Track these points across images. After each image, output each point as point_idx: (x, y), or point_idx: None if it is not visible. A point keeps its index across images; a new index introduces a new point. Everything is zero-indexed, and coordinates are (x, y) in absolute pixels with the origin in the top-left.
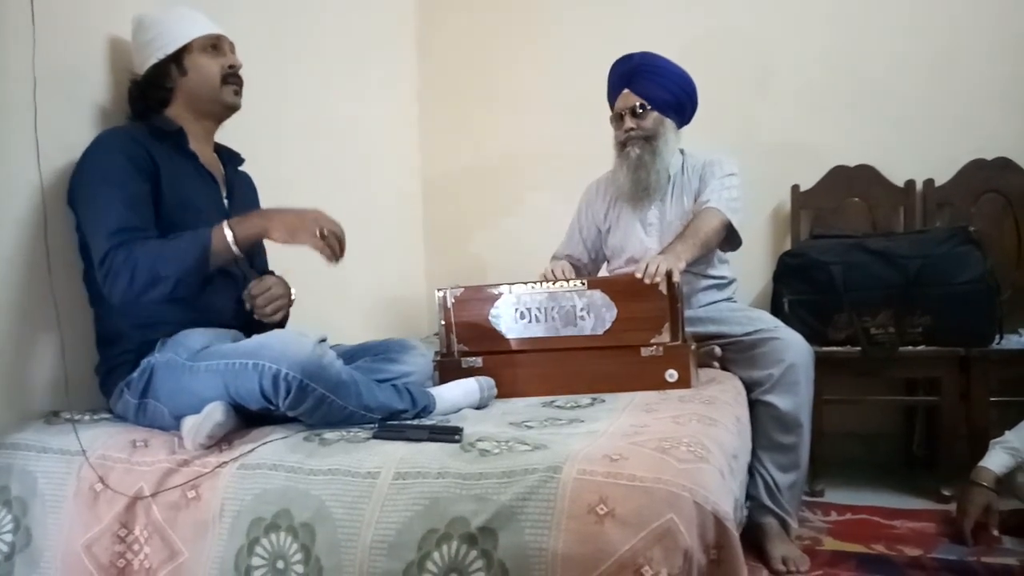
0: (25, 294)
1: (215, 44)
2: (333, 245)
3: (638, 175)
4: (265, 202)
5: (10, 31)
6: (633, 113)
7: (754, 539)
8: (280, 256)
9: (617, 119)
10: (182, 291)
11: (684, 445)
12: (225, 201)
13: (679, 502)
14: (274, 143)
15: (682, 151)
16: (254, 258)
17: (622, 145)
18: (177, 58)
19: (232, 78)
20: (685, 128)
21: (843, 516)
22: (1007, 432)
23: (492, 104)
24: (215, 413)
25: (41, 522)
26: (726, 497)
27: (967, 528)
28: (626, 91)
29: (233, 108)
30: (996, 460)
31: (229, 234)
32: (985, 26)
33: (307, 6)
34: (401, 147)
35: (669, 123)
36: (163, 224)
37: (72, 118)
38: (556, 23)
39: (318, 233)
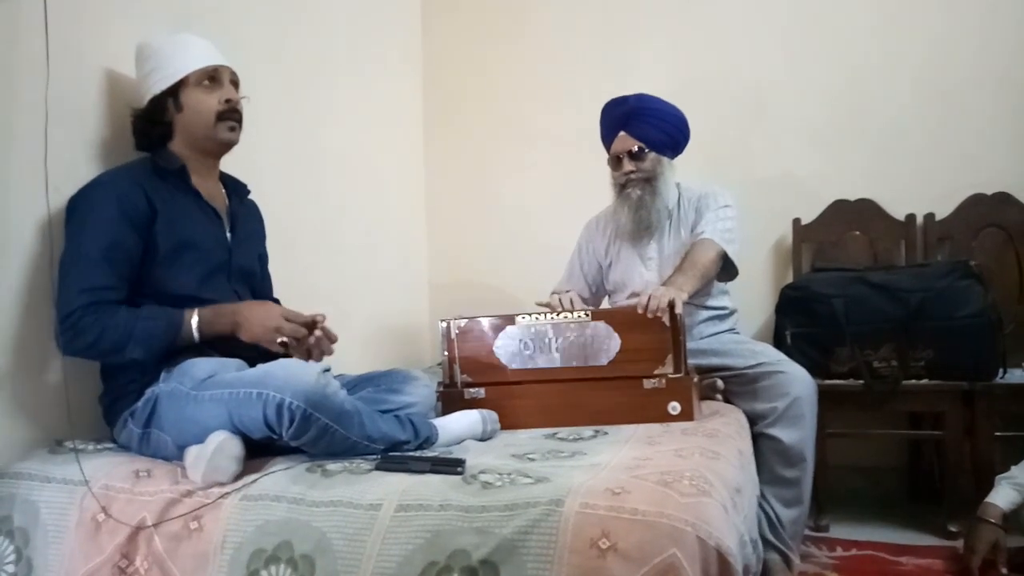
0: (31, 323)
1: (213, 76)
2: (296, 347)
3: (639, 215)
4: (271, 231)
5: (25, 65)
6: (631, 155)
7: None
8: (283, 286)
9: (615, 161)
10: (139, 363)
11: (687, 479)
12: (228, 235)
13: (682, 537)
14: (280, 172)
15: (678, 185)
16: (256, 288)
17: (621, 187)
18: (174, 92)
19: (228, 114)
20: (687, 164)
21: (848, 552)
22: (1013, 467)
23: (497, 135)
24: (232, 448)
25: (43, 553)
26: (729, 532)
27: (975, 565)
28: (622, 134)
29: (229, 145)
30: (1003, 496)
31: (195, 330)
32: (984, 62)
33: (313, 34)
34: (405, 176)
35: (666, 161)
36: (162, 265)
37: (81, 151)
38: (561, 56)
39: (279, 342)
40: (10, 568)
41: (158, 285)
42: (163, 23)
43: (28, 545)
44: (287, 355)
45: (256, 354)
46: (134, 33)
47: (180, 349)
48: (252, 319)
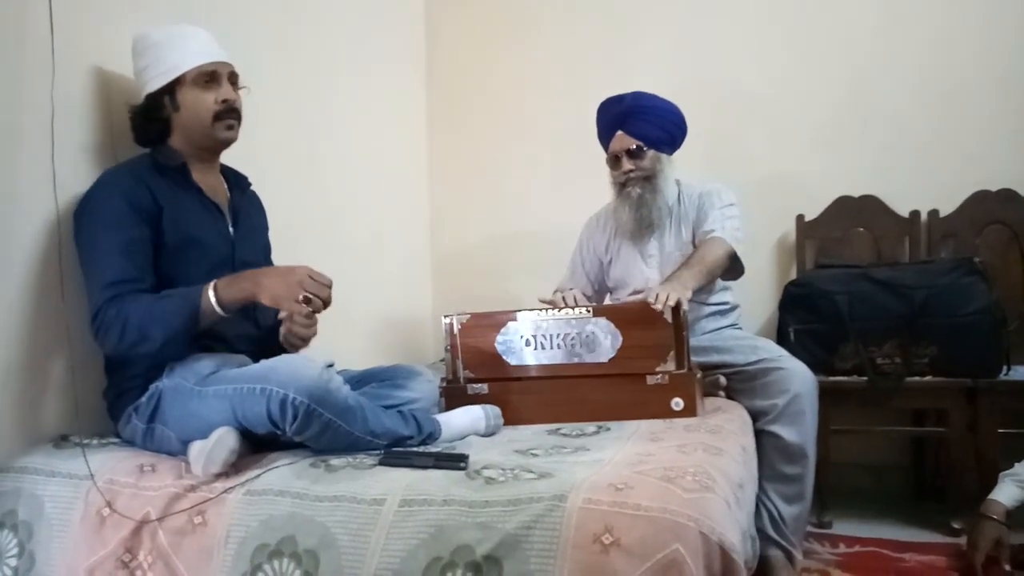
0: (38, 319)
1: (210, 74)
2: (317, 307)
3: (640, 213)
4: (274, 225)
5: (31, 63)
6: (630, 154)
7: (759, 572)
8: None
9: (613, 160)
10: (170, 350)
11: (690, 475)
12: (231, 230)
13: (685, 532)
14: (283, 168)
15: (677, 182)
16: None
17: (621, 185)
18: (171, 90)
19: (225, 113)
20: (690, 162)
21: (851, 548)
22: (1016, 464)
23: (500, 132)
24: (227, 439)
25: (46, 546)
26: (732, 527)
27: (978, 562)
28: (620, 133)
29: (227, 143)
30: (1006, 493)
31: (213, 298)
32: (990, 58)
33: (317, 32)
34: (409, 173)
35: (665, 158)
36: (167, 261)
37: (87, 147)
38: (564, 55)
39: (301, 298)
40: (12, 562)
41: (163, 281)
42: (165, 20)
43: (31, 539)
44: (310, 314)
45: (258, 350)
46: (137, 29)
47: (199, 335)
48: (273, 276)
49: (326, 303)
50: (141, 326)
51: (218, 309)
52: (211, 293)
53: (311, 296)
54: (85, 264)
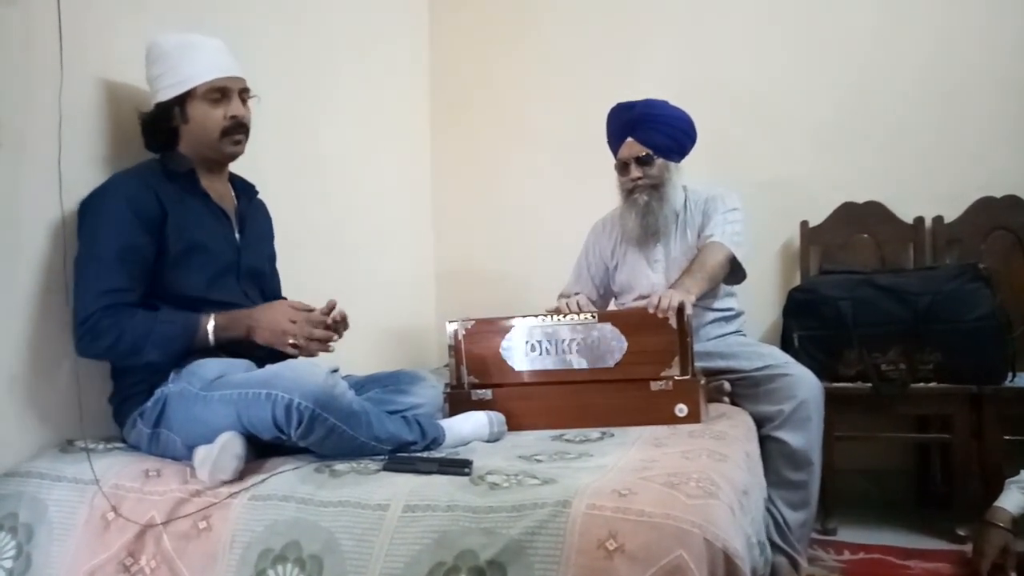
0: (43, 323)
1: (221, 90)
2: (313, 351)
3: (647, 220)
4: (278, 232)
5: (38, 68)
6: (639, 161)
7: None
8: (290, 288)
9: (622, 167)
10: (157, 366)
11: (693, 481)
12: (237, 236)
13: (689, 538)
14: (287, 173)
15: (684, 187)
16: (265, 287)
17: (629, 192)
18: (180, 101)
19: (233, 129)
20: (694, 167)
21: (856, 555)
22: (1022, 471)
23: (503, 136)
24: (234, 446)
25: (44, 549)
26: (736, 534)
27: (984, 570)
28: (630, 140)
29: (233, 157)
30: (1012, 500)
31: (211, 336)
32: (995, 64)
33: (321, 36)
34: (412, 178)
35: (673, 166)
36: (172, 266)
37: (94, 153)
38: (568, 58)
39: (293, 342)
40: (8, 564)
41: (168, 287)
42: (172, 26)
43: (30, 541)
44: (304, 356)
45: (264, 354)
46: (144, 35)
47: (193, 351)
48: (263, 323)
49: (339, 326)
50: (135, 342)
51: (212, 343)
52: (210, 331)
53: (300, 344)
54: (80, 263)
